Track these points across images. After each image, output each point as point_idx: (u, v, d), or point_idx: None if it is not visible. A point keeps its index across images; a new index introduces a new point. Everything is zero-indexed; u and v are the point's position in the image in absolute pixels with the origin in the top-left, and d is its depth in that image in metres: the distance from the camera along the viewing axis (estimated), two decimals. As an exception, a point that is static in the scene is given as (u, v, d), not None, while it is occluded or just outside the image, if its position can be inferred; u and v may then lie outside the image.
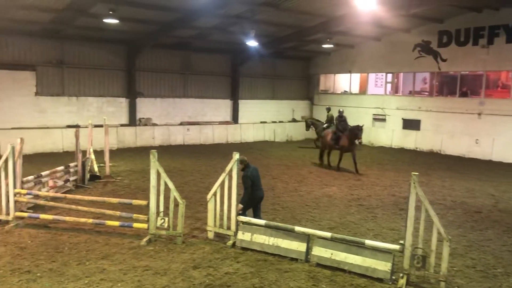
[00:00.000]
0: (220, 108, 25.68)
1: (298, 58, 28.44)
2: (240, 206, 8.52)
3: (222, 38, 22.43)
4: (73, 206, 9.42)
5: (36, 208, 9.99)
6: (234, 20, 19.38)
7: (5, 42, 18.84)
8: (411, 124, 23.79)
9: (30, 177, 10.45)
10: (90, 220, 8.88)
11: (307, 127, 23.95)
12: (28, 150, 16.09)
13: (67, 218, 9.10)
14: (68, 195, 10.42)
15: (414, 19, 20.83)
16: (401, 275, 6.89)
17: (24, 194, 9.53)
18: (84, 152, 13.62)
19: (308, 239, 7.79)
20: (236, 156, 8.26)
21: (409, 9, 17.51)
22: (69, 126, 19.82)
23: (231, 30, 20.67)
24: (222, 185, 8.47)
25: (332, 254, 7.42)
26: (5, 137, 17.64)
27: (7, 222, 9.11)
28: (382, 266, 6.98)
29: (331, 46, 24.35)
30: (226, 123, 25.58)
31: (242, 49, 22.91)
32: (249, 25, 19.26)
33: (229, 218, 8.40)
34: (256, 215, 8.94)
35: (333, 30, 21.74)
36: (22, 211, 9.55)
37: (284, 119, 28.02)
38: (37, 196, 9.88)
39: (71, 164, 12.72)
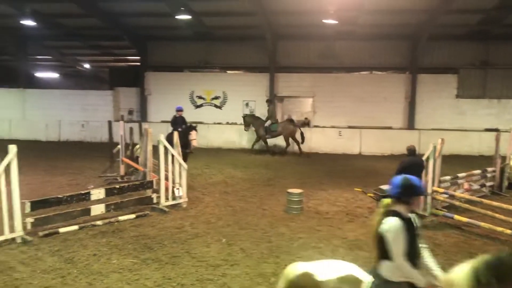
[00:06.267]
0: None
1: None
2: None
3: None
4: (489, 212, 8.99)
5: (450, 208, 10.10)
6: None
7: (432, 47, 19.94)
8: None
9: (447, 177, 10.67)
10: (509, 231, 8.22)
11: (246, 126, 19.35)
12: (444, 151, 16.47)
13: (482, 224, 8.74)
14: (484, 200, 10.02)
15: None
16: None
17: (441, 193, 9.84)
18: (503, 158, 12.77)
19: None
20: None
21: None
22: (487, 130, 19.06)
23: None
24: None
25: None
26: (425, 136, 18.85)
27: (424, 216, 9.65)
28: None
29: None
30: None
31: None
32: None
33: None
34: None
35: None
36: (437, 209, 9.89)
37: None
38: (452, 197, 9.98)
39: (489, 169, 12.19)
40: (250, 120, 19.46)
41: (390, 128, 20.41)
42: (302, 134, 18.80)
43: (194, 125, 13.60)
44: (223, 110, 21.75)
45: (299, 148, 18.82)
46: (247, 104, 21.41)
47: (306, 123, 22.41)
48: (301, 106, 25.25)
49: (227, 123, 21.72)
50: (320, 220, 9.57)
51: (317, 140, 20.46)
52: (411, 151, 9.33)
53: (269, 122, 19.01)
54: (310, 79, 21.20)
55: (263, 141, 19.38)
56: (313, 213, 10.06)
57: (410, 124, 20.23)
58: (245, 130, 19.75)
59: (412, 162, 9.11)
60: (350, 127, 20.60)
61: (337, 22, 17.13)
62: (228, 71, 22.70)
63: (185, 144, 12.57)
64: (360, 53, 20.82)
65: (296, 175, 14.66)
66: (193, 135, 13.20)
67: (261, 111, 21.33)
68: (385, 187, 10.28)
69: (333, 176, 14.69)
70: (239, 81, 22.06)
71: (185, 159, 12.12)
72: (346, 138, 20.27)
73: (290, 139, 18.97)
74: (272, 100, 19.83)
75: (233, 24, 19.85)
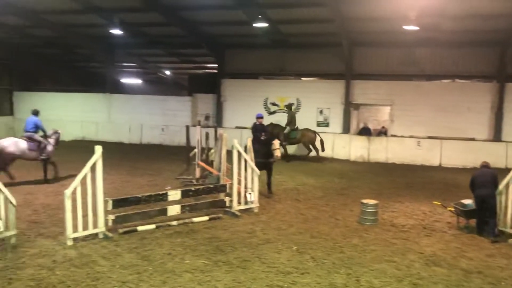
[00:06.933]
0: None
1: None
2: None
3: None
4: None
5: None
6: None
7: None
8: None
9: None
10: None
11: None
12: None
13: None
14: None
15: None
16: None
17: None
18: None
19: None
20: None
21: None
22: None
23: None
24: None
25: None
26: None
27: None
28: None
29: None
30: None
31: None
32: None
33: None
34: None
35: None
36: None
37: None
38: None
39: None
40: (270, 128, 18.91)
41: (473, 139, 19.21)
42: (322, 141, 18.78)
43: (275, 133, 12.68)
44: (297, 117, 21.66)
45: (318, 155, 18.86)
46: (321, 112, 21.21)
47: (383, 132, 21.74)
48: (378, 114, 24.54)
49: (301, 130, 21.59)
50: (396, 233, 9.20)
51: (394, 150, 19.74)
52: (484, 166, 9.55)
53: (288, 129, 19.05)
54: (388, 87, 20.53)
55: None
56: (388, 226, 9.70)
57: (496, 136, 18.90)
58: None
59: (482, 172, 9.33)
60: (429, 137, 19.65)
61: (418, 28, 16.47)
62: (302, 78, 22.63)
63: (267, 154, 11.90)
64: (443, 60, 19.83)
65: (372, 186, 14.25)
66: (275, 144, 12.02)
67: (335, 119, 21.03)
68: (466, 201, 9.70)
69: (411, 188, 14.09)
70: (314, 88, 21.88)
71: (269, 168, 12.13)
72: (426, 148, 19.35)
73: (311, 146, 19.11)
74: (291, 105, 19.63)
75: (310, 31, 19.77)
